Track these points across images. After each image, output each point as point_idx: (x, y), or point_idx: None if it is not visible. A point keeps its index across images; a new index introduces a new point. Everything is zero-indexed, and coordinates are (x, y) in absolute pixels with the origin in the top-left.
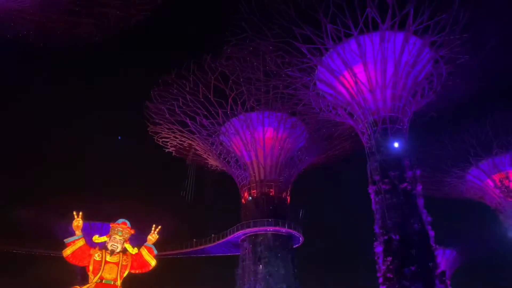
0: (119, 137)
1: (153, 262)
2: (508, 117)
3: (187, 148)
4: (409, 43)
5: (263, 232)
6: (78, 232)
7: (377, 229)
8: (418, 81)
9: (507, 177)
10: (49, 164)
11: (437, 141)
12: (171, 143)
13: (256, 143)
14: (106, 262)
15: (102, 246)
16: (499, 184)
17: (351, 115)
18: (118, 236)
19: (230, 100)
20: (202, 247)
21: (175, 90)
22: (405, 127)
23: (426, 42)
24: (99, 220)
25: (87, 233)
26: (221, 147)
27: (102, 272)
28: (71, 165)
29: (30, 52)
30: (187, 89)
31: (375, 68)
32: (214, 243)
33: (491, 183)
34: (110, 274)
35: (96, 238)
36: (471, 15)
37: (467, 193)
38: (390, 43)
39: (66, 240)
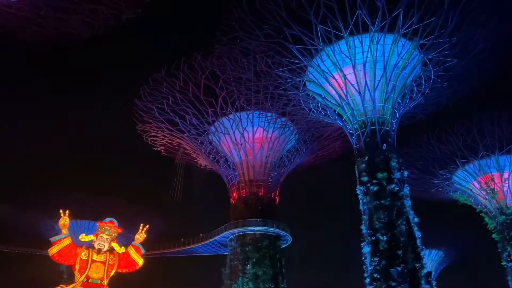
0: None
1: (140, 262)
2: (494, 121)
3: (176, 147)
4: (398, 46)
5: (251, 232)
6: (65, 231)
7: (364, 230)
8: (406, 83)
9: (493, 180)
10: (35, 161)
11: (425, 143)
12: (160, 142)
13: (246, 143)
14: (92, 261)
15: (89, 245)
16: (484, 186)
17: (340, 116)
18: (105, 235)
19: (220, 99)
20: (190, 246)
21: (165, 89)
22: (393, 128)
23: (415, 44)
24: (86, 218)
25: (74, 231)
26: (210, 147)
27: (88, 271)
28: (58, 162)
29: (17, 48)
30: (177, 87)
31: (364, 69)
32: (202, 243)
33: (477, 185)
34: (96, 273)
35: (83, 237)
36: (460, 19)
37: (454, 194)
38: (380, 45)
39: (52, 239)
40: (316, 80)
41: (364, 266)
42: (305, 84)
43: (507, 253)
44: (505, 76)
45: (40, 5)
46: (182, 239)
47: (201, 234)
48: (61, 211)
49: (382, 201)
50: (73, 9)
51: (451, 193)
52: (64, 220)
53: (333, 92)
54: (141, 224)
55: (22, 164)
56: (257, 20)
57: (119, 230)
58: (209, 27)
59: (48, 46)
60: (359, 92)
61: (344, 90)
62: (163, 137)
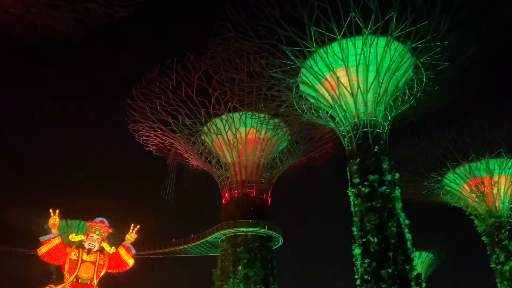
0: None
1: (130, 262)
2: (485, 124)
3: (168, 147)
4: (391, 48)
5: (243, 233)
6: (54, 230)
7: (355, 231)
8: (399, 86)
9: (483, 183)
10: (25, 160)
11: (416, 145)
12: (152, 142)
13: (238, 144)
14: (82, 261)
15: (79, 245)
16: (474, 189)
17: (332, 118)
18: (96, 235)
19: (213, 99)
20: (181, 247)
21: (158, 88)
22: (385, 131)
23: (408, 48)
24: (76, 218)
25: (64, 231)
26: (202, 147)
27: (78, 271)
28: (48, 161)
29: (7, 45)
30: (170, 87)
31: (357, 72)
32: (193, 244)
33: (467, 188)
34: (86, 273)
35: (73, 237)
36: (452, 23)
37: (444, 197)
38: (373, 48)
39: (42, 238)
40: (309, 82)
41: (354, 268)
42: (298, 86)
43: (496, 256)
44: (496, 80)
45: (32, 2)
46: (173, 240)
47: (192, 235)
48: (51, 211)
49: (373, 203)
50: (65, 7)
51: (442, 196)
52: (54, 219)
53: (326, 94)
54: (132, 224)
55: (11, 162)
56: (250, 21)
57: (110, 230)
58: (203, 27)
59: (40, 44)
60: (352, 94)
61: (337, 92)
62: (155, 137)
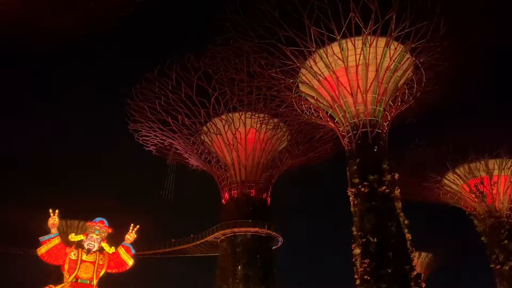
0: None
1: (130, 262)
2: (485, 124)
3: (168, 147)
4: (391, 49)
5: (242, 233)
6: (54, 230)
7: (355, 231)
8: (398, 86)
9: (482, 183)
10: (24, 160)
11: (416, 146)
12: (152, 142)
13: (238, 144)
14: (82, 261)
15: (78, 245)
16: (474, 189)
17: (332, 118)
18: (95, 235)
19: (212, 99)
20: (180, 247)
21: (157, 88)
22: (385, 131)
23: (407, 48)
24: (76, 218)
25: (63, 231)
26: (202, 147)
27: (77, 271)
28: (48, 161)
29: (6, 45)
30: (170, 87)
31: (356, 72)
32: (193, 244)
33: (466, 188)
34: (86, 273)
35: (73, 237)
36: (452, 23)
37: (444, 197)
38: (372, 48)
39: (41, 238)
40: (308, 82)
41: (354, 268)
42: (297, 86)
43: (495, 256)
44: (496, 80)
45: (32, 2)
46: (173, 240)
47: (191, 235)
48: (50, 211)
49: (373, 203)
50: (66, 7)
51: (441, 196)
52: (54, 219)
53: (326, 94)
54: (132, 224)
55: (11, 162)
56: (250, 21)
57: (109, 230)
58: (203, 27)
59: (40, 44)
60: (351, 94)
61: (337, 92)
62: (155, 137)
